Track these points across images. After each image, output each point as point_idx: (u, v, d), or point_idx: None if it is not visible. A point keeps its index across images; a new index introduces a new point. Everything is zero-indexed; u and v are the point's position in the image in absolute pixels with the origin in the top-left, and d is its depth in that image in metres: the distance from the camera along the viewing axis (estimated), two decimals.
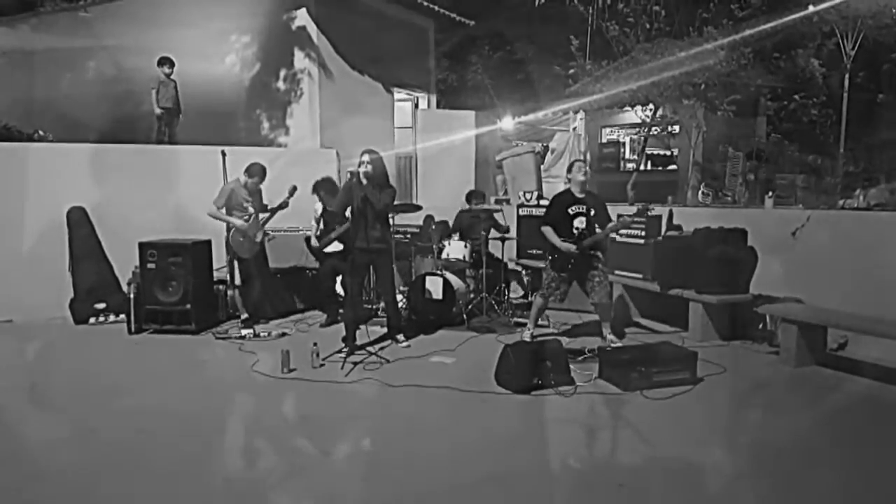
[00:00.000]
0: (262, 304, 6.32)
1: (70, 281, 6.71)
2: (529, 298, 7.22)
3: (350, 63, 10.01)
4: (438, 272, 6.36)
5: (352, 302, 5.55)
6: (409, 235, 7.55)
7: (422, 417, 4.00)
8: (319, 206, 6.49)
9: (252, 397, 4.49)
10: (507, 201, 9.50)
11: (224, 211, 5.99)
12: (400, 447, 3.55)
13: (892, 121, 10.91)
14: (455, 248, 6.55)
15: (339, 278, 6.55)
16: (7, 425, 3.95)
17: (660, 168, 12.02)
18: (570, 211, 5.38)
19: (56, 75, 11.40)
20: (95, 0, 11.17)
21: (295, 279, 7.08)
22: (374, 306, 6.78)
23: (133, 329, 6.13)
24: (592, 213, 5.39)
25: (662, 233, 6.39)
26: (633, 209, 5.65)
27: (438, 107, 12.84)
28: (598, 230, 5.37)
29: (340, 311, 6.41)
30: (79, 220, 6.88)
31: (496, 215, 7.16)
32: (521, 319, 6.36)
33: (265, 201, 6.25)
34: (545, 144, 11.78)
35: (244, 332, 5.96)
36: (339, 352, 5.21)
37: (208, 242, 6.40)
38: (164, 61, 8.11)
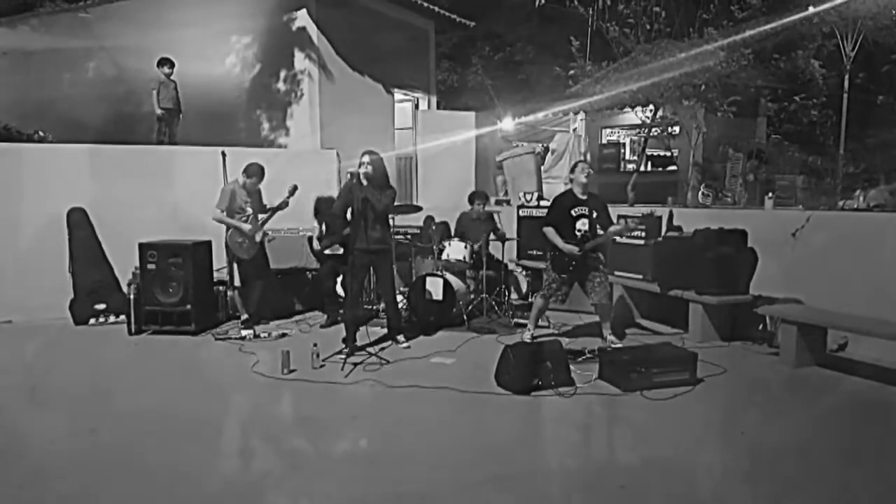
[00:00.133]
0: (262, 304, 6.31)
1: (70, 282, 6.71)
2: (530, 299, 7.21)
3: (350, 64, 10.02)
4: (439, 273, 6.36)
5: (352, 303, 5.55)
6: (409, 236, 7.55)
7: (422, 418, 3.99)
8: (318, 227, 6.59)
9: (252, 398, 4.48)
10: (508, 202, 9.51)
11: (226, 214, 5.97)
12: (400, 448, 3.55)
13: (892, 122, 10.93)
14: (455, 249, 6.55)
15: (339, 279, 6.55)
16: (7, 426, 3.95)
17: (660, 169, 12.03)
18: (572, 212, 5.38)
19: (56, 76, 11.41)
20: (95, 1, 11.17)
21: (295, 280, 7.08)
22: (375, 307, 6.78)
23: (133, 330, 6.14)
24: (594, 214, 5.39)
25: (663, 234, 6.39)
26: (634, 210, 5.65)
27: (439, 108, 12.86)
28: (599, 232, 5.37)
29: (341, 311, 6.41)
30: (79, 221, 6.87)
31: (495, 216, 7.16)
32: (521, 320, 6.36)
33: (265, 202, 6.24)
34: (545, 145, 11.78)
35: (244, 332, 5.96)
36: (340, 352, 5.21)
37: (208, 243, 6.41)
38: (164, 62, 8.11)
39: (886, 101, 12.02)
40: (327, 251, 6.46)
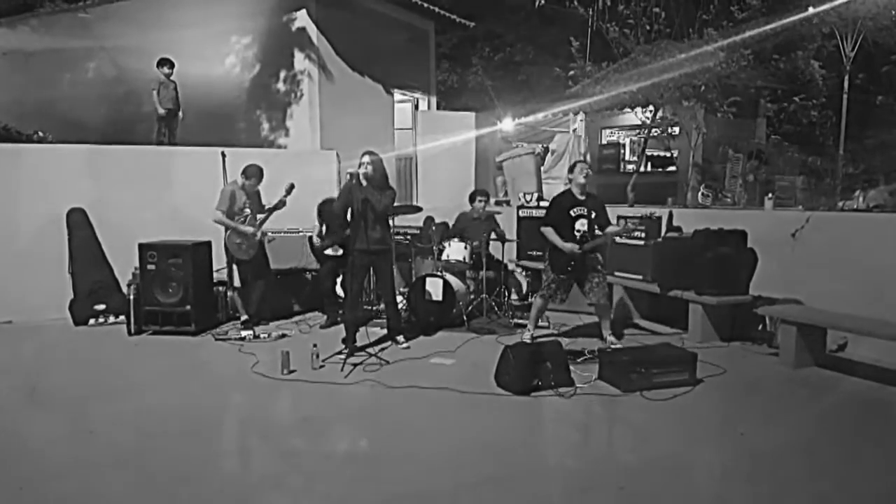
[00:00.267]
0: (262, 305, 6.31)
1: (70, 282, 6.71)
2: (529, 300, 7.21)
3: (350, 64, 10.01)
4: (438, 273, 6.36)
5: (352, 303, 5.55)
6: (409, 237, 7.55)
7: (422, 419, 3.99)
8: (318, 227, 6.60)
9: (252, 398, 4.48)
10: (508, 202, 9.51)
11: (226, 215, 5.97)
12: (400, 448, 3.55)
13: (892, 122, 10.94)
14: (455, 250, 6.54)
15: (339, 279, 6.55)
16: (7, 426, 3.94)
17: (660, 169, 12.05)
18: (571, 213, 5.38)
19: (56, 76, 11.41)
20: (95, 1, 11.17)
21: (295, 280, 7.08)
22: (374, 307, 6.78)
23: (133, 330, 6.13)
24: (593, 215, 5.39)
25: (662, 234, 6.40)
26: (634, 210, 5.65)
27: (438, 108, 12.85)
28: (598, 232, 5.37)
29: (340, 312, 6.41)
30: (78, 222, 6.87)
31: (495, 216, 7.16)
32: (521, 321, 6.36)
33: (264, 203, 6.23)
34: (545, 146, 11.78)
35: (244, 333, 5.96)
36: (339, 353, 5.21)
37: (208, 244, 6.40)
38: (164, 62, 8.11)
39: (886, 101, 12.04)
40: (328, 251, 6.46)
